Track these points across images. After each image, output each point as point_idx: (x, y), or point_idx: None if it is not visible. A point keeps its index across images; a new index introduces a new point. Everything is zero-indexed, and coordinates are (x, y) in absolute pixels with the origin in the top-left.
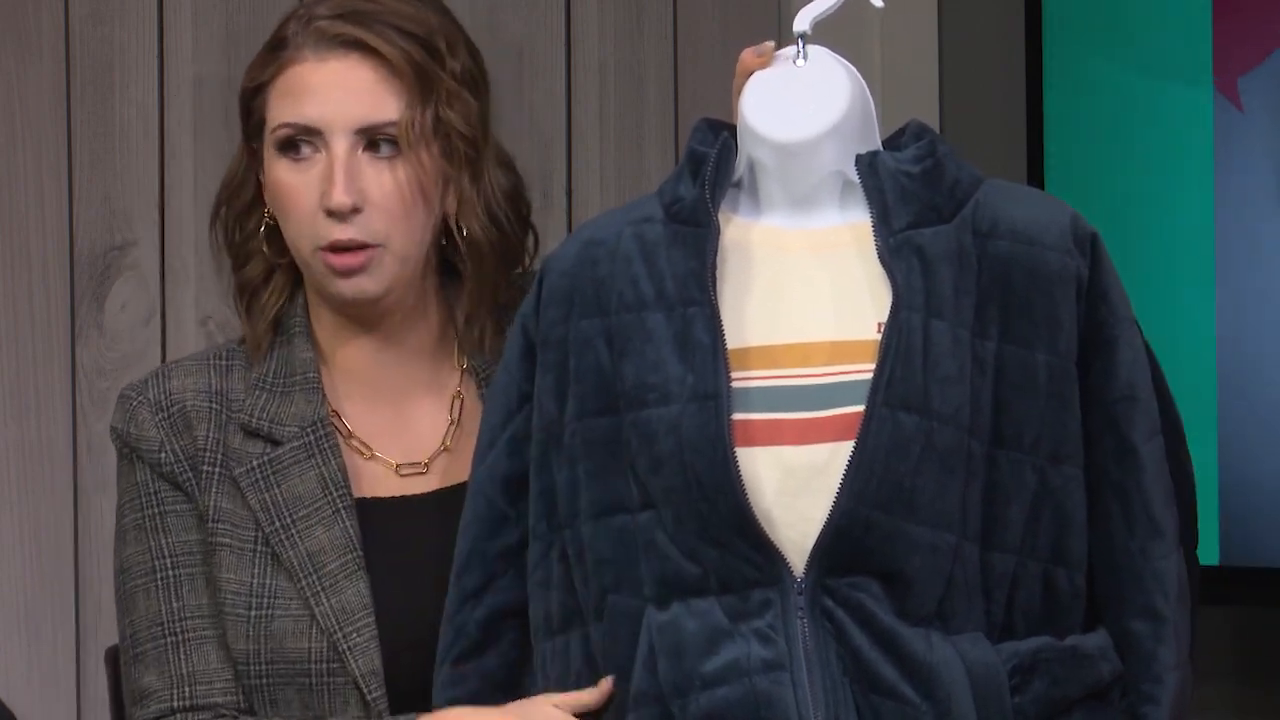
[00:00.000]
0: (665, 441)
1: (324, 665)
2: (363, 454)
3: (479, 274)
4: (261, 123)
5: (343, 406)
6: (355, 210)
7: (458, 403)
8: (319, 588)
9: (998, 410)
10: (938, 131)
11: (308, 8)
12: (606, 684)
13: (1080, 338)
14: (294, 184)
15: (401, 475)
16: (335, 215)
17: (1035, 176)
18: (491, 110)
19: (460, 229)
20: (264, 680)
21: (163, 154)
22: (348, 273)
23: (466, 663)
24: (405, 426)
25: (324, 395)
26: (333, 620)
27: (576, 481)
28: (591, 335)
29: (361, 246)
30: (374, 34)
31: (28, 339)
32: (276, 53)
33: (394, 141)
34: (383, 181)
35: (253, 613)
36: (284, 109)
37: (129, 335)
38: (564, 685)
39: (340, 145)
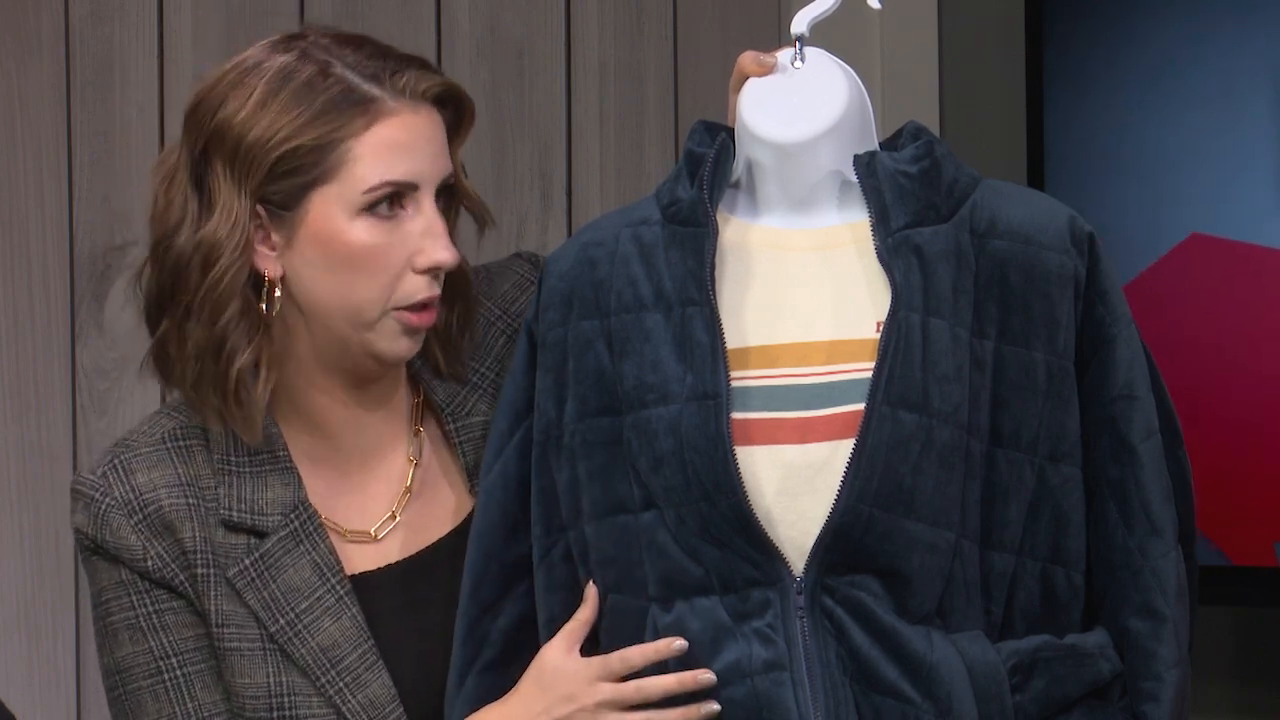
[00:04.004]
0: (665, 441)
1: None
2: (337, 531)
3: (469, 298)
4: (313, 183)
5: (310, 478)
6: (453, 268)
7: (417, 442)
8: (341, 684)
9: (996, 409)
10: (937, 132)
11: (339, 56)
12: (591, 591)
13: (1078, 337)
14: (383, 243)
15: (379, 539)
16: (431, 273)
17: (1035, 176)
18: (485, 110)
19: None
20: None
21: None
22: (417, 331)
23: (492, 673)
24: (371, 482)
25: (298, 475)
26: (364, 717)
27: (578, 482)
28: (591, 336)
29: (437, 299)
30: (455, 83)
31: (28, 339)
32: (355, 106)
33: (446, 191)
34: (450, 233)
35: (275, 715)
36: (383, 166)
37: (129, 335)
38: None
39: (431, 201)
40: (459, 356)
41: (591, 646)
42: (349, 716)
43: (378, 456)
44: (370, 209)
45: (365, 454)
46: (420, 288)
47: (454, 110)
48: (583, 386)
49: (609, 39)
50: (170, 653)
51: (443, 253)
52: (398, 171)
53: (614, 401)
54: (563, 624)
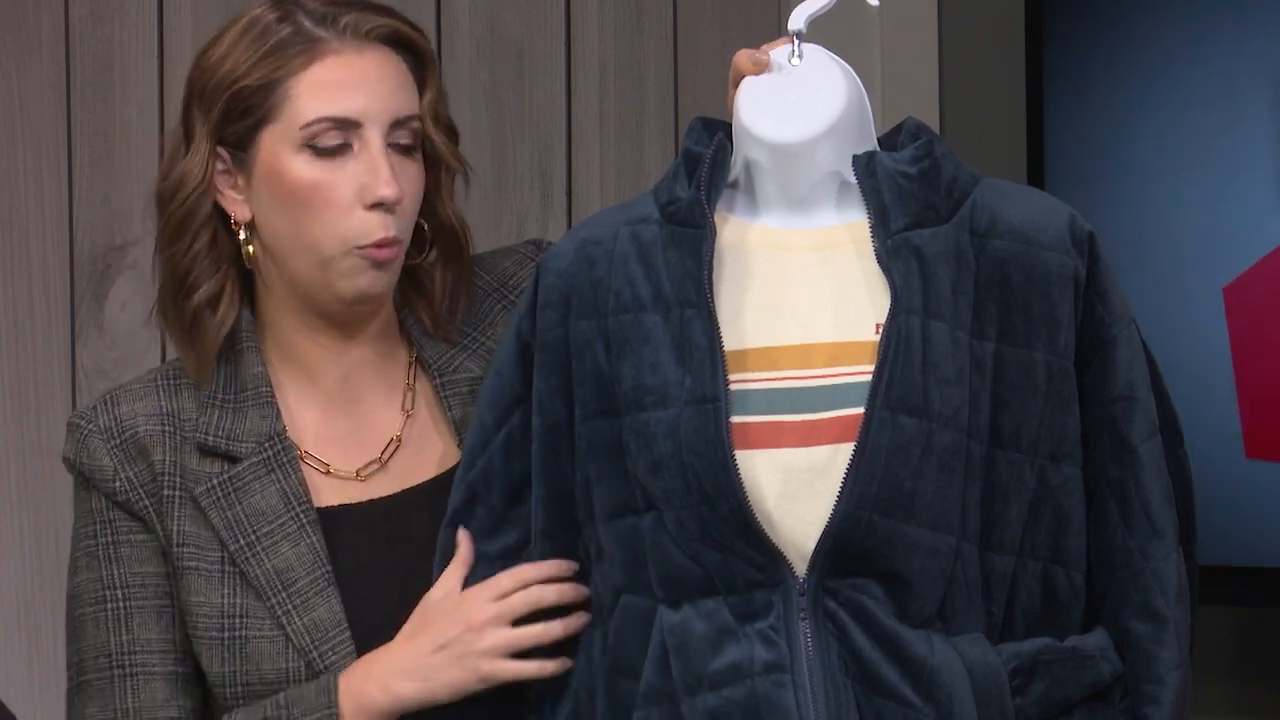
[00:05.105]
0: (664, 444)
1: (301, 684)
2: (320, 470)
3: (461, 260)
4: (261, 122)
5: (296, 418)
6: (396, 203)
7: (409, 395)
8: (290, 606)
9: (996, 410)
10: (937, 131)
11: (301, 5)
12: (464, 535)
13: (1078, 337)
14: (326, 180)
15: (361, 480)
16: (382, 208)
17: (1035, 176)
18: (485, 110)
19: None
20: (241, 702)
21: (162, 154)
22: (381, 264)
23: None
24: (361, 429)
25: (278, 410)
26: (307, 639)
27: (589, 483)
28: (590, 336)
29: (396, 241)
30: (406, 25)
31: (28, 339)
32: (297, 46)
33: (409, 135)
34: (408, 172)
35: (225, 634)
36: (319, 102)
37: (129, 335)
38: (584, 679)
39: (378, 138)
40: (450, 321)
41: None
42: (293, 637)
43: (369, 405)
44: (313, 147)
45: (356, 402)
46: (374, 225)
47: (412, 54)
48: (583, 389)
49: (609, 39)
50: (117, 584)
51: (385, 188)
52: (335, 108)
53: (613, 403)
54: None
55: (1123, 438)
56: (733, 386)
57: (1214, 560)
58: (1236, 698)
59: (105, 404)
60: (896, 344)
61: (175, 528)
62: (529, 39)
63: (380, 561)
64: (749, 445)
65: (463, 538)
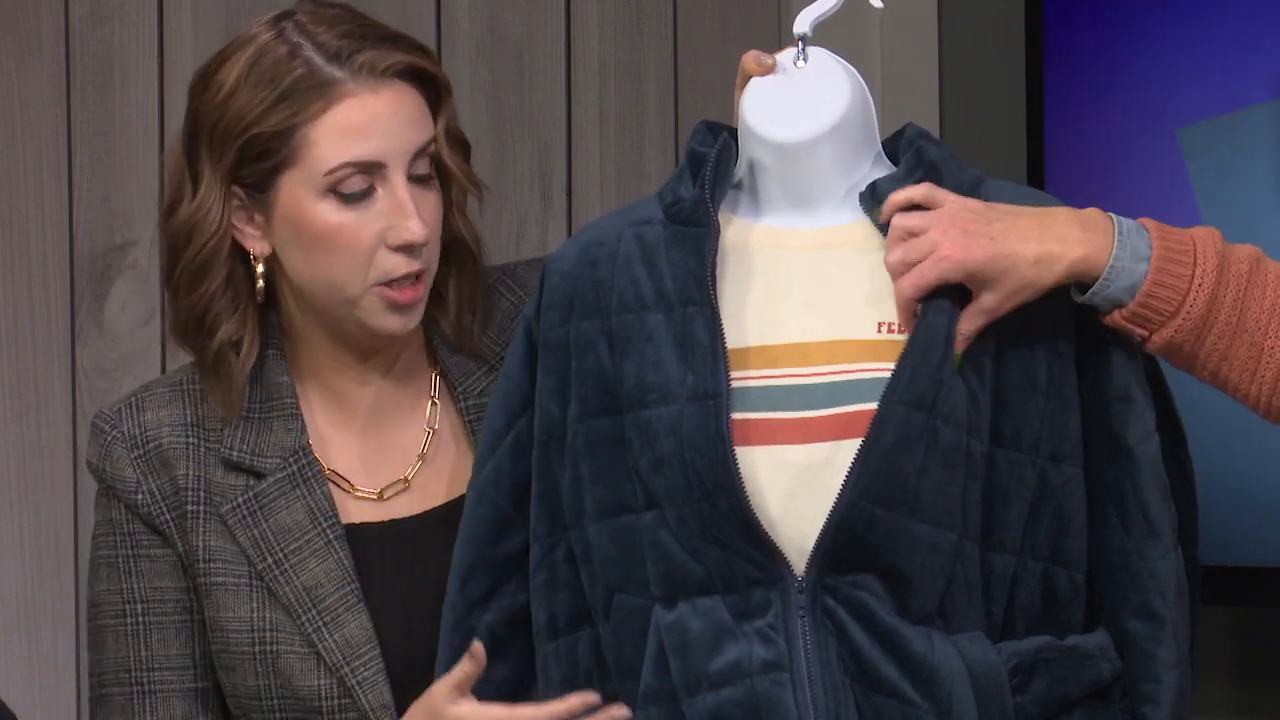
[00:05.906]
0: (666, 441)
1: (334, 701)
2: (344, 488)
3: (473, 271)
4: (279, 167)
5: (322, 432)
6: (424, 245)
7: (434, 411)
8: (320, 623)
9: (997, 410)
10: (937, 133)
11: (310, 35)
12: (477, 646)
13: (1078, 337)
14: (350, 223)
15: (385, 499)
16: (407, 249)
17: (1035, 176)
18: (485, 110)
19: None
20: (276, 715)
21: (162, 154)
22: (405, 307)
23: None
24: (385, 447)
25: (302, 422)
26: (338, 655)
27: (580, 482)
28: (592, 336)
29: (419, 275)
30: (418, 56)
31: (28, 339)
32: (313, 90)
33: (426, 163)
34: (429, 203)
35: (256, 649)
36: (340, 148)
37: (129, 335)
38: (572, 686)
39: (401, 177)
40: (468, 330)
41: (600, 668)
42: (324, 654)
43: (393, 422)
44: (336, 191)
45: (380, 419)
46: (397, 264)
47: (427, 83)
48: (584, 387)
49: (609, 39)
50: (137, 599)
51: (412, 230)
52: (355, 152)
53: (614, 401)
54: (564, 622)
55: (1119, 438)
56: (734, 384)
57: (1214, 560)
58: (1236, 698)
59: (130, 408)
60: (923, 340)
61: (200, 543)
62: (529, 39)
63: (400, 581)
64: (749, 442)
65: (477, 650)
